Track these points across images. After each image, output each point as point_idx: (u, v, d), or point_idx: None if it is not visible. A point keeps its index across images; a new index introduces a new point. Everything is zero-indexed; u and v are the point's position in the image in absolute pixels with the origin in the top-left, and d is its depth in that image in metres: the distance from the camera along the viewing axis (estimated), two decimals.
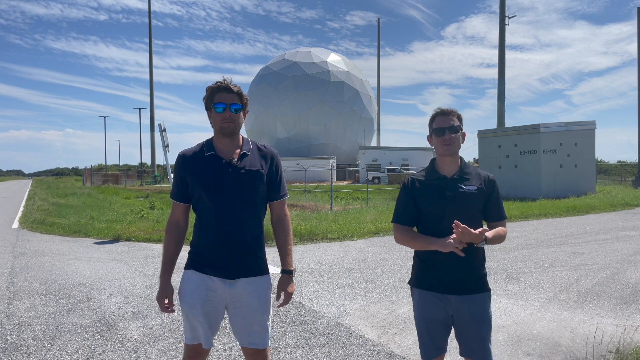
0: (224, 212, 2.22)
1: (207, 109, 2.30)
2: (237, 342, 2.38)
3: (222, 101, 2.22)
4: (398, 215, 2.42)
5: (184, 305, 2.27)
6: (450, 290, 2.29)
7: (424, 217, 2.36)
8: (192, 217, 2.37)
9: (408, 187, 2.41)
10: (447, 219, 2.27)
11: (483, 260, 2.36)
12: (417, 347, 2.47)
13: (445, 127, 2.32)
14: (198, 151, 2.31)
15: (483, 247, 2.28)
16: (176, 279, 2.30)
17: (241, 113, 2.28)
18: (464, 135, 2.41)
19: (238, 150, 2.29)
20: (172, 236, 2.33)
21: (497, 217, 2.37)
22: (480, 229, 2.16)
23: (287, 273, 2.36)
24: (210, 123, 2.31)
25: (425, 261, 2.35)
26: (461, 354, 2.34)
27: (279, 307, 2.38)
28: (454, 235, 2.15)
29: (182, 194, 2.31)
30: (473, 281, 2.30)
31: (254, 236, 2.28)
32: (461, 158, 2.40)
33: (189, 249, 2.35)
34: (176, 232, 2.34)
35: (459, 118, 2.37)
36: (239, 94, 2.26)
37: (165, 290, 2.30)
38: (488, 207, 2.35)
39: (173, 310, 2.33)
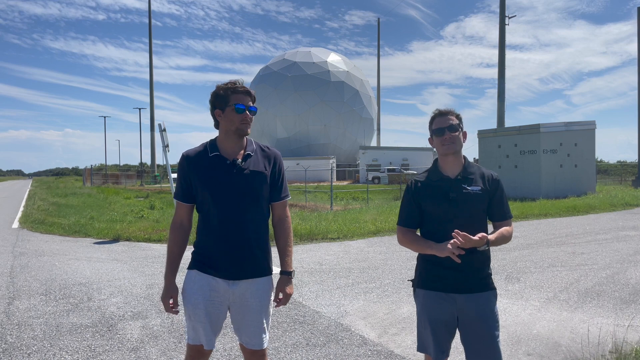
0: (228, 212, 2.22)
1: (218, 108, 2.26)
2: (237, 342, 2.39)
3: (242, 102, 2.24)
4: (401, 218, 2.42)
5: (188, 305, 2.27)
6: (456, 289, 2.27)
7: (428, 219, 2.34)
8: (196, 217, 2.37)
9: (411, 190, 2.40)
10: (451, 220, 2.25)
11: (488, 259, 2.34)
12: (416, 347, 2.45)
13: (444, 127, 2.31)
14: (202, 151, 2.30)
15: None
16: (179, 279, 2.29)
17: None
18: (464, 134, 2.39)
19: (242, 151, 2.29)
20: (177, 236, 2.34)
21: (501, 217, 2.34)
22: (480, 235, 2.13)
23: (286, 274, 2.36)
24: (218, 122, 2.29)
25: (430, 261, 2.32)
26: (467, 358, 2.30)
27: (276, 307, 2.38)
28: (452, 241, 2.13)
29: (186, 195, 2.31)
30: (478, 280, 2.29)
31: (258, 237, 2.28)
32: (465, 157, 2.38)
33: (192, 249, 2.36)
34: (180, 232, 2.35)
35: (458, 117, 2.36)
36: (253, 97, 2.30)
37: (170, 291, 2.31)
38: (492, 206, 2.33)
39: (177, 312, 2.33)
